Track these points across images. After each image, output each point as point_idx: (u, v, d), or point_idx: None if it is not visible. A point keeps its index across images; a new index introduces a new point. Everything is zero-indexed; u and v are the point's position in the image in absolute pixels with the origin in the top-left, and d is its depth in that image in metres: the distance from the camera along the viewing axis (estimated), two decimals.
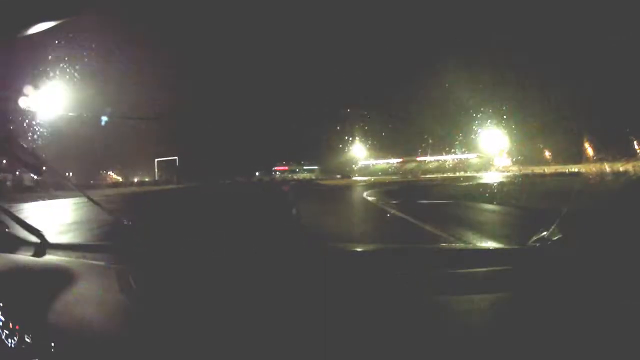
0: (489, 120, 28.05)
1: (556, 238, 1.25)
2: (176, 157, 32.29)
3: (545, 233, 1.29)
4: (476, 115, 28.37)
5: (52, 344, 0.89)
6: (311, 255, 1.46)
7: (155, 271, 1.36)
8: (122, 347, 0.90)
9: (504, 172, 31.23)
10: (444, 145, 35.71)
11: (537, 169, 30.80)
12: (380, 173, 39.14)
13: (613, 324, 0.86)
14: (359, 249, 1.70)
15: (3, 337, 0.92)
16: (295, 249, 1.62)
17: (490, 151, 32.71)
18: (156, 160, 33.23)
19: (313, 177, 37.29)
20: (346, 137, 35.62)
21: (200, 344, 0.87)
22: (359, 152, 38.05)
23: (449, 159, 37.90)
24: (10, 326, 0.93)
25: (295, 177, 38.27)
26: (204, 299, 1.11)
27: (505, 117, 27.53)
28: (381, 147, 37.24)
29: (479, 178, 26.86)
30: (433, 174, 36.19)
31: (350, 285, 1.16)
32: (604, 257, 1.09)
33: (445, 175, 34.57)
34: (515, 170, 29.77)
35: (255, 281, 1.20)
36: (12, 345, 0.90)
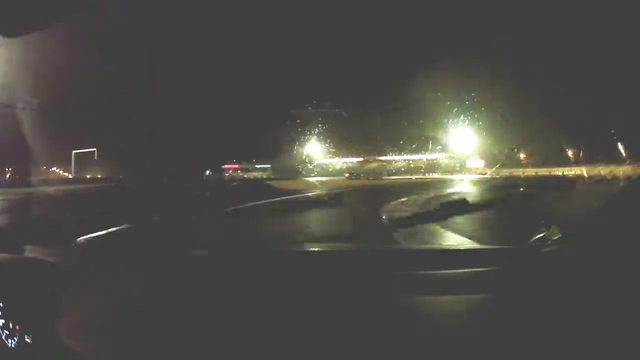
0: (462, 119, 26.08)
1: (556, 238, 1.29)
2: (95, 149, 26.75)
3: (544, 233, 1.33)
4: (448, 113, 26.14)
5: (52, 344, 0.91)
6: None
7: (155, 271, 1.36)
8: (122, 347, 0.91)
9: (480, 174, 29.23)
10: (411, 144, 32.43)
11: (518, 171, 28.99)
12: (338, 173, 35.43)
13: (613, 324, 0.86)
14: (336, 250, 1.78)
15: (3, 337, 0.95)
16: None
17: (463, 152, 30.36)
18: (73, 152, 27.63)
19: (264, 177, 34.16)
20: (303, 135, 31.60)
21: (194, 346, 0.87)
22: (315, 150, 34.06)
23: (416, 159, 34.73)
24: (11, 326, 0.96)
25: (245, 176, 35.12)
26: (195, 301, 1.11)
27: (479, 116, 25.49)
28: (341, 145, 33.55)
29: (449, 181, 24.13)
30: (398, 175, 32.88)
31: (328, 288, 1.14)
32: (603, 257, 1.10)
33: (410, 177, 31.61)
34: (490, 172, 27.70)
35: (250, 282, 1.21)
36: (12, 346, 0.92)
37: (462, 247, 2.16)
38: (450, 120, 26.31)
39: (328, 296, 1.08)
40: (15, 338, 0.93)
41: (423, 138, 30.96)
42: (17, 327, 0.94)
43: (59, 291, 1.15)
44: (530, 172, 29.22)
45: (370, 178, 30.33)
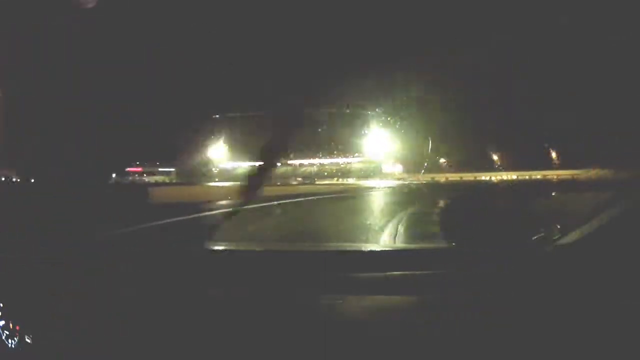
0: (379, 121, 24.06)
1: (555, 238, 1.29)
2: None
3: (543, 234, 1.33)
4: (363, 115, 24.10)
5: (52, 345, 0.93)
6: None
7: (154, 272, 1.37)
8: (122, 348, 0.92)
9: (398, 180, 27.66)
10: (324, 147, 29.42)
11: (440, 176, 28.96)
12: (241, 177, 31.41)
13: (611, 324, 0.88)
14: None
15: (3, 337, 0.94)
16: None
17: (380, 156, 28.04)
18: None
19: (167, 181, 31.21)
20: (209, 137, 28.14)
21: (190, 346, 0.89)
22: (220, 153, 30.44)
23: (328, 162, 31.60)
24: (11, 327, 0.95)
25: (147, 180, 31.81)
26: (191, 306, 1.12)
27: (398, 119, 23.23)
28: (248, 148, 29.75)
29: (359, 188, 21.82)
30: (308, 179, 29.66)
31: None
32: (603, 257, 1.11)
33: (321, 182, 28.43)
34: (409, 178, 25.55)
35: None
36: (12, 346, 0.93)
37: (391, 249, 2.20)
38: (367, 123, 24.44)
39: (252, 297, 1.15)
40: (15, 338, 0.93)
41: (339, 142, 28.07)
42: (17, 327, 0.95)
43: (58, 291, 1.18)
44: (455, 177, 27.75)
45: (278, 183, 26.71)
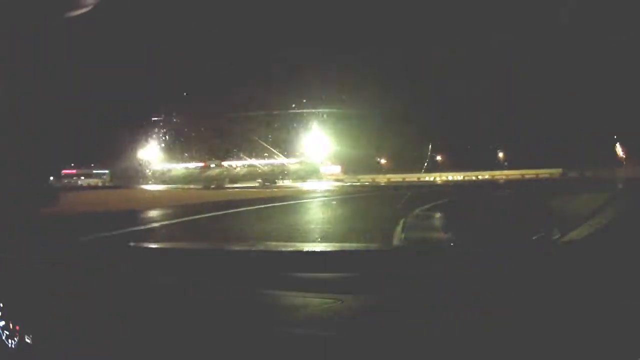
0: (316, 121, 22.54)
1: (555, 237, 1.33)
2: None
3: (542, 233, 1.39)
4: (300, 114, 22.05)
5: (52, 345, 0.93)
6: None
7: (154, 272, 1.40)
8: (122, 348, 0.92)
9: (337, 181, 27.77)
10: (260, 148, 27.79)
11: (381, 178, 28.54)
12: (178, 180, 30.31)
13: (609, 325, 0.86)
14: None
15: (3, 337, 0.96)
16: None
17: (317, 156, 26.31)
18: None
19: (99, 184, 29.57)
20: (144, 137, 26.28)
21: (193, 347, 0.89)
22: (156, 154, 28.64)
23: (264, 164, 29.85)
24: (11, 327, 0.97)
25: (81, 182, 30.24)
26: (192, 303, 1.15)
27: (336, 119, 22.10)
28: (184, 148, 27.87)
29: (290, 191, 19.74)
30: (242, 182, 28.17)
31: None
32: (603, 257, 1.13)
33: (255, 184, 26.87)
34: (348, 179, 24.52)
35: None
36: (12, 346, 0.93)
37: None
38: (305, 122, 22.90)
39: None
40: (15, 338, 0.93)
41: (275, 142, 26.37)
42: (17, 327, 0.95)
43: (58, 291, 1.17)
44: (396, 178, 26.95)
45: (212, 186, 24.96)
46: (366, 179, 27.23)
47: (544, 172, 30.03)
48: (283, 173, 27.55)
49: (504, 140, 31.83)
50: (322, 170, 27.73)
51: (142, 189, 25.08)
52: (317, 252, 1.95)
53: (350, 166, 27.10)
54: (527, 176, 30.58)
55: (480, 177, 30.78)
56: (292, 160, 26.68)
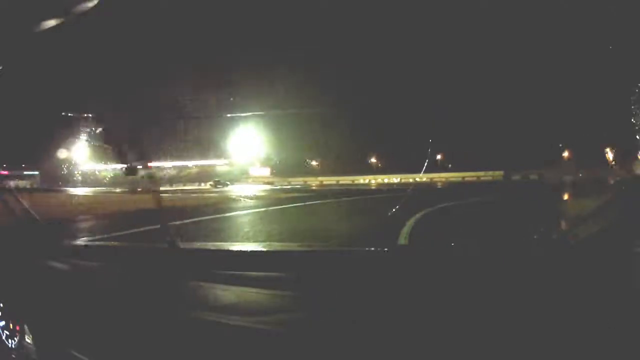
0: (247, 122, 21.70)
1: (555, 237, 1.32)
2: None
3: (540, 233, 1.36)
4: (231, 115, 23.99)
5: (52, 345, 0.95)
6: None
7: (155, 272, 1.38)
8: (122, 348, 0.94)
9: (266, 184, 25.34)
10: (187, 148, 27.00)
11: (313, 180, 26.64)
12: (107, 182, 29.28)
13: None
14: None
15: (3, 337, 0.94)
16: None
17: (246, 158, 25.80)
18: None
19: (27, 186, 27.61)
20: (73, 138, 25.20)
21: (197, 347, 0.92)
22: (85, 155, 27.96)
23: (191, 165, 29.00)
24: (11, 327, 0.97)
25: (10, 185, 28.32)
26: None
27: (266, 119, 20.68)
28: (112, 150, 26.52)
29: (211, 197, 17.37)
30: (168, 184, 27.18)
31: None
32: (602, 256, 1.09)
33: (178, 188, 25.81)
34: (278, 182, 23.83)
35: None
36: (13, 346, 0.93)
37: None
38: (235, 124, 22.84)
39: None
40: (15, 338, 0.92)
41: (200, 144, 25.71)
42: (17, 327, 0.94)
43: (58, 292, 1.18)
44: (330, 181, 26.36)
45: (139, 189, 23.29)
46: (297, 181, 26.30)
47: (485, 175, 29.88)
48: (209, 174, 26.89)
49: (443, 142, 31.63)
50: (250, 172, 27.19)
51: (64, 192, 24.54)
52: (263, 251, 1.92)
53: (281, 168, 26.21)
54: (467, 179, 30.60)
55: (418, 179, 30.12)
56: (219, 161, 25.99)
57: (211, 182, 26.84)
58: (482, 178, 28.83)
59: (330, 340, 0.84)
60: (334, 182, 26.64)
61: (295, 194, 15.44)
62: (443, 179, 28.58)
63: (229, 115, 22.42)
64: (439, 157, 32.80)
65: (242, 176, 26.69)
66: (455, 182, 28.14)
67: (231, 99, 20.64)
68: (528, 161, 31.67)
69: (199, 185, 26.94)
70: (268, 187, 23.01)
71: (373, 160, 29.43)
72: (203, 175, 27.95)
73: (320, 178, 26.61)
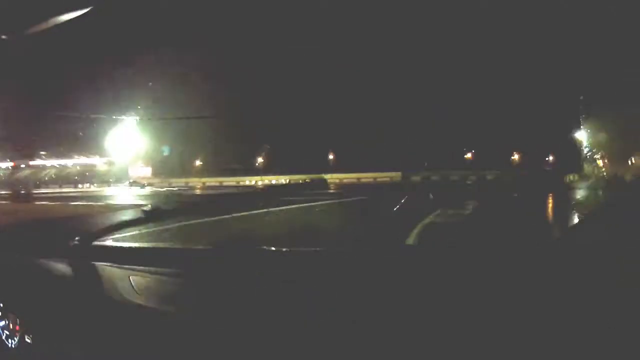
0: (129, 122, 21.72)
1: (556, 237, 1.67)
2: None
3: (541, 233, 1.88)
4: (113, 114, 21.57)
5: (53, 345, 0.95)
6: None
7: (155, 272, 1.35)
8: (122, 348, 0.94)
9: (145, 187, 23.86)
10: (66, 145, 25.82)
11: (195, 181, 25.52)
12: None
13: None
14: None
15: (3, 337, 0.95)
16: None
17: (127, 158, 25.22)
18: None
19: None
20: None
21: (202, 347, 0.90)
22: None
23: (70, 164, 27.89)
24: (11, 327, 0.97)
25: None
26: (208, 303, 1.13)
27: (148, 118, 21.60)
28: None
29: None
30: (50, 186, 25.88)
31: None
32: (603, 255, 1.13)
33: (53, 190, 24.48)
34: (158, 183, 23.10)
35: (256, 284, 1.19)
36: (13, 346, 0.94)
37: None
38: (117, 123, 21.87)
39: None
40: (15, 338, 0.94)
41: (77, 142, 24.76)
42: (17, 327, 0.96)
43: (58, 291, 1.18)
44: (213, 182, 25.75)
45: (22, 191, 22.19)
46: (179, 182, 25.40)
47: (383, 176, 29.34)
48: (90, 174, 25.86)
49: (337, 141, 31.64)
50: (131, 172, 26.60)
51: None
52: None
53: (163, 168, 25.37)
54: (363, 180, 29.29)
55: (308, 180, 29.61)
56: (99, 160, 25.13)
57: (126, 183, 25.89)
58: (378, 179, 28.53)
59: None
60: (217, 184, 25.92)
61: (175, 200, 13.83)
62: (337, 180, 28.14)
63: (116, 112, 21.43)
64: (331, 156, 32.73)
65: (122, 176, 26.20)
66: (349, 184, 27.78)
67: (114, 99, 20.08)
68: (430, 162, 32.02)
69: (81, 186, 25.70)
70: (147, 189, 22.05)
71: (260, 160, 28.95)
72: (84, 175, 26.89)
73: (204, 179, 25.96)
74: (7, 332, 0.96)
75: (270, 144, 27.28)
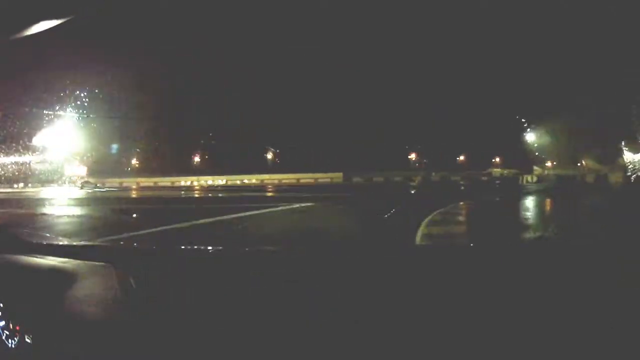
0: (63, 118, 19.99)
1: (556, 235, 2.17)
2: None
3: (541, 232, 2.31)
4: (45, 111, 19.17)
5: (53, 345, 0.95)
6: None
7: (157, 272, 1.39)
8: (123, 347, 0.93)
9: (81, 187, 24.19)
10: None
11: (130, 181, 24.20)
12: None
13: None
14: None
15: (3, 337, 0.95)
16: None
17: (62, 156, 24.29)
18: None
19: None
20: None
21: (201, 345, 0.91)
22: None
23: (7, 162, 26.79)
24: (11, 327, 0.97)
25: None
26: (205, 301, 1.14)
27: (86, 116, 20.16)
28: None
29: None
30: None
31: None
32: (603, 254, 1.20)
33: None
34: (92, 182, 22.65)
35: (258, 284, 1.21)
36: (12, 346, 0.94)
37: None
38: (53, 120, 19.70)
39: None
40: (15, 338, 0.94)
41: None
42: (17, 327, 0.96)
43: (59, 291, 1.18)
44: (147, 182, 25.53)
45: None
46: (114, 182, 24.97)
47: (323, 177, 29.49)
48: (25, 173, 24.89)
49: (277, 141, 31.42)
50: (67, 171, 26.05)
51: None
52: None
53: (99, 167, 25.47)
54: (303, 181, 29.00)
55: (246, 181, 28.97)
56: (35, 157, 24.17)
57: (78, 184, 25.05)
58: (319, 180, 28.41)
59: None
60: (152, 184, 25.54)
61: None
62: (276, 181, 27.93)
63: (52, 109, 19.40)
64: (269, 156, 32.58)
65: (57, 175, 25.66)
66: (289, 185, 26.79)
67: (50, 96, 19.31)
68: (371, 164, 32.02)
69: (17, 186, 24.77)
70: (83, 191, 21.45)
71: (197, 159, 28.53)
72: (20, 173, 25.87)
73: (138, 179, 25.52)
74: (7, 332, 0.95)
75: (208, 143, 26.84)
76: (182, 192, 21.28)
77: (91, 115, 19.96)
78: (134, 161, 24.67)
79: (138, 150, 24.98)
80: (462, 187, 21.52)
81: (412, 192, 18.74)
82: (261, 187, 24.91)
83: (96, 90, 19.38)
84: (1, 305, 1.00)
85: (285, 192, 18.68)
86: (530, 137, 33.50)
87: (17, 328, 0.95)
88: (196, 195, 18.99)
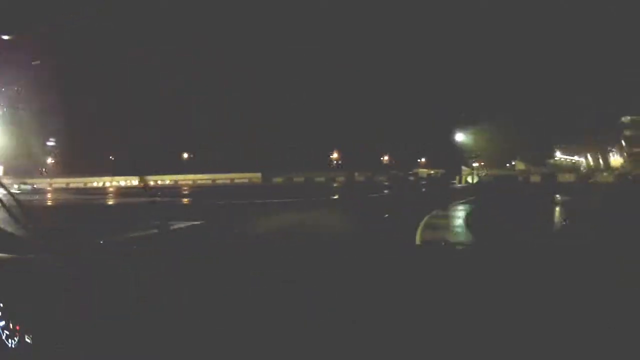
0: None
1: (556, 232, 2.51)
2: None
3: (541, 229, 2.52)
4: None
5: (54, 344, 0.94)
6: None
7: (157, 271, 1.39)
8: (123, 347, 0.94)
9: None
10: None
11: (41, 182, 25.38)
12: None
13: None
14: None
15: (3, 337, 0.94)
16: None
17: None
18: None
19: None
20: None
21: (201, 344, 0.91)
22: None
23: None
24: (11, 327, 0.96)
25: None
26: (206, 299, 1.14)
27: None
28: None
29: None
30: None
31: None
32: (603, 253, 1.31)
33: None
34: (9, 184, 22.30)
35: (258, 283, 1.22)
36: (12, 346, 0.93)
37: None
38: None
39: None
40: (15, 338, 0.93)
41: None
42: (17, 327, 0.95)
43: (59, 291, 1.17)
44: (60, 183, 25.21)
45: None
46: (31, 183, 24.06)
47: (241, 177, 29.87)
48: None
49: (193, 141, 31.08)
50: None
51: None
52: None
53: (15, 167, 24.82)
54: (219, 181, 28.83)
55: (160, 182, 28.08)
56: None
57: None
58: (236, 181, 28.34)
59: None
60: (64, 185, 24.93)
61: None
62: (190, 182, 28.12)
63: None
64: (185, 155, 32.15)
65: None
66: (204, 186, 26.52)
67: None
68: (293, 164, 32.23)
69: None
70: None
71: (111, 158, 27.51)
72: None
73: (52, 180, 24.97)
74: (7, 332, 0.93)
75: (121, 142, 25.33)
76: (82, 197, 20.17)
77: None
78: (51, 160, 23.51)
79: (52, 147, 23.76)
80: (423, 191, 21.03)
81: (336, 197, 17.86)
82: (172, 189, 24.67)
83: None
84: (1, 305, 0.99)
85: (184, 197, 18.67)
86: (460, 137, 34.51)
87: (17, 328, 0.94)
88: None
